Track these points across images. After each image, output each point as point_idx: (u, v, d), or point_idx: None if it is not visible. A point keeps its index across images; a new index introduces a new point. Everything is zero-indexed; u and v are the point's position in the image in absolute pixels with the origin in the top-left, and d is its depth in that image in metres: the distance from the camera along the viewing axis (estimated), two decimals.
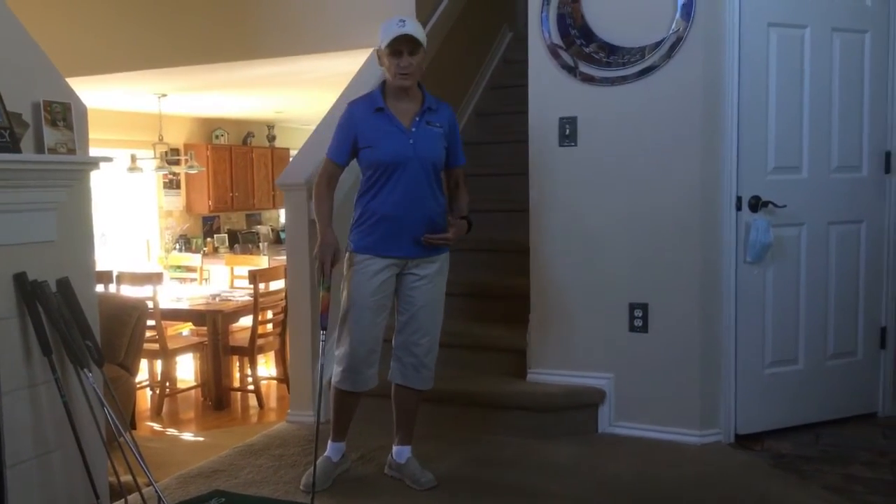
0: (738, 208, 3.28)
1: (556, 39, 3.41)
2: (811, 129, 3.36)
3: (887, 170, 3.51)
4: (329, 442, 2.97)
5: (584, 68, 3.37)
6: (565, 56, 3.40)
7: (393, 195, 2.73)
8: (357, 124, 2.78)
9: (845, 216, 3.48)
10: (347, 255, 2.83)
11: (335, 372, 2.85)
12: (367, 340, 2.78)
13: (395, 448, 2.98)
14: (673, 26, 3.20)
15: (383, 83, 2.80)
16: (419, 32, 2.67)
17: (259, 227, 10.71)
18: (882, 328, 3.59)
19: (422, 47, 2.69)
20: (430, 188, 2.76)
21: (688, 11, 3.18)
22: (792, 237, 3.38)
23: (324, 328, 2.85)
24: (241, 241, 10.05)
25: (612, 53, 3.31)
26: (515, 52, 5.33)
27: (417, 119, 2.76)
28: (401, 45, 2.66)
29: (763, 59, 3.26)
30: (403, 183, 2.72)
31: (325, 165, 2.86)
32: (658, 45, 3.23)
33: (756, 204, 3.28)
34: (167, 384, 6.01)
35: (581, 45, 3.36)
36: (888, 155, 3.50)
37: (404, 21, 2.67)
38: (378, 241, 2.76)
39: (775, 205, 3.28)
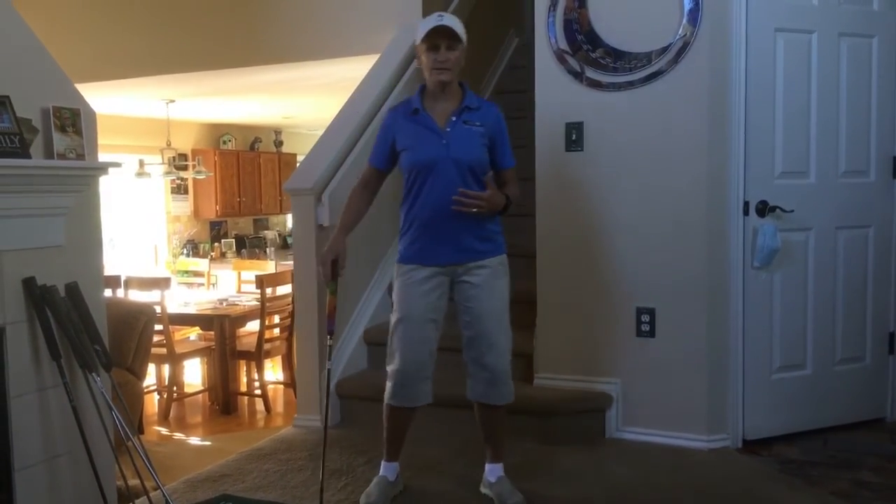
0: (746, 213, 3.27)
1: (563, 45, 3.42)
2: (818, 134, 3.35)
3: (895, 175, 3.50)
4: (382, 462, 2.85)
5: (591, 73, 3.37)
6: (572, 61, 3.41)
7: (429, 199, 2.62)
8: (394, 127, 2.72)
9: (853, 221, 3.47)
10: (396, 266, 2.76)
11: (386, 388, 2.74)
12: (417, 354, 2.66)
13: (487, 466, 2.87)
14: (680, 31, 3.21)
15: (423, 86, 2.73)
16: (458, 26, 2.61)
17: (266, 232, 10.74)
18: (890, 333, 3.57)
19: (460, 43, 2.62)
20: (470, 190, 2.59)
21: (694, 17, 3.18)
22: (799, 242, 3.37)
23: (330, 333, 2.81)
24: (249, 246, 10.07)
25: (618, 59, 3.32)
26: (522, 58, 5.34)
27: (454, 119, 2.65)
28: (437, 39, 2.59)
29: (770, 64, 3.25)
30: (439, 186, 2.60)
31: (364, 170, 2.82)
32: (665, 50, 3.23)
33: (763, 209, 3.27)
34: (174, 389, 6.02)
35: (587, 50, 3.37)
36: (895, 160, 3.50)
37: (442, 15, 2.62)
38: (420, 250, 2.67)
39: (783, 209, 3.28)
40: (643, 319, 3.35)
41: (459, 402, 2.91)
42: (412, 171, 2.66)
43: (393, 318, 2.72)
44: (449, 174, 2.60)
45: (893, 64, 3.46)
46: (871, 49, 3.42)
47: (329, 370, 2.88)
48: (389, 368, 2.72)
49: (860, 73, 3.40)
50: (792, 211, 3.29)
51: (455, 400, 2.94)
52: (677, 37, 3.21)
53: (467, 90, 2.73)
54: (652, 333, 3.34)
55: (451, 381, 2.90)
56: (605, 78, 3.35)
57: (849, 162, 3.42)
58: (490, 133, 2.69)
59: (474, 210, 2.58)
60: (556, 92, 3.44)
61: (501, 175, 2.77)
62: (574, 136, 3.42)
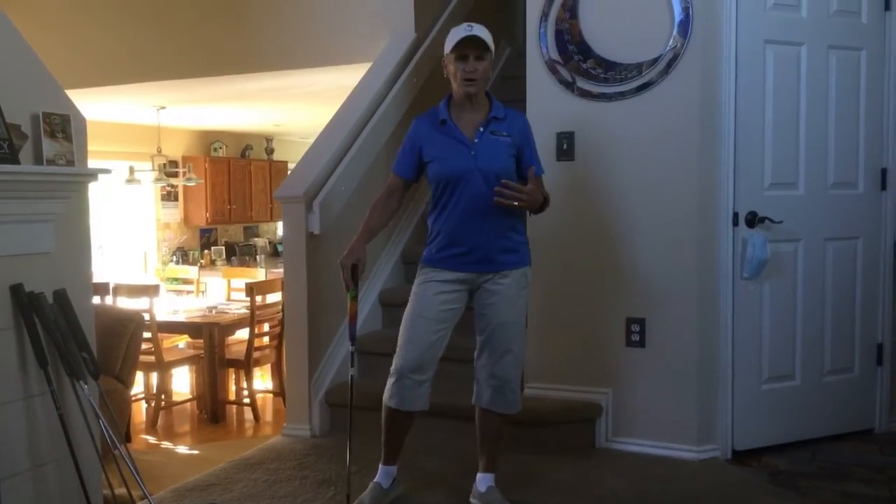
0: (735, 224, 3.28)
1: (554, 55, 3.43)
2: (807, 146, 3.37)
3: (883, 186, 3.53)
4: (380, 465, 2.83)
5: (582, 84, 3.39)
6: (563, 72, 3.42)
7: (457, 210, 2.63)
8: (421, 138, 2.72)
9: (842, 232, 3.49)
10: (419, 266, 2.76)
11: (386, 387, 2.73)
12: (421, 353, 2.65)
13: (478, 475, 2.86)
14: (670, 43, 3.22)
15: (449, 96, 2.73)
16: (487, 37, 2.60)
17: (256, 239, 10.71)
18: (879, 344, 3.59)
19: (489, 53, 2.61)
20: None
21: (685, 28, 3.20)
22: (788, 253, 3.38)
23: (352, 338, 2.80)
24: (239, 254, 10.04)
25: (609, 69, 3.33)
26: (514, 68, 5.35)
27: (481, 129, 2.66)
28: (466, 49, 2.59)
29: (760, 76, 3.27)
30: (467, 197, 2.61)
31: (388, 178, 2.81)
32: (655, 61, 3.25)
33: (753, 219, 3.29)
34: (163, 397, 5.98)
35: (579, 60, 3.38)
36: (884, 172, 3.52)
37: (472, 26, 2.61)
38: (445, 257, 2.68)
39: (772, 220, 3.29)
40: (633, 329, 3.36)
41: (461, 414, 2.90)
42: (440, 183, 2.67)
43: (405, 315, 2.72)
44: (477, 185, 2.61)
45: (882, 76, 3.48)
46: (860, 62, 3.44)
47: (352, 377, 2.86)
48: (392, 367, 2.72)
49: (849, 86, 3.43)
50: (781, 222, 3.30)
51: (457, 411, 2.92)
52: (668, 48, 3.23)
53: (494, 100, 2.73)
54: (642, 343, 3.35)
55: (455, 391, 2.88)
56: (596, 88, 3.36)
57: (838, 174, 3.44)
58: (517, 143, 2.70)
59: (515, 203, 2.56)
60: (547, 101, 3.45)
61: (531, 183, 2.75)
62: (565, 146, 3.43)
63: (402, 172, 2.76)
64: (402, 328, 2.72)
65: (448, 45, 2.64)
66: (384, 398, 2.74)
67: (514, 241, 2.72)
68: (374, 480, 2.83)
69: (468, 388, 2.85)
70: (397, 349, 2.71)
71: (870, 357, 3.58)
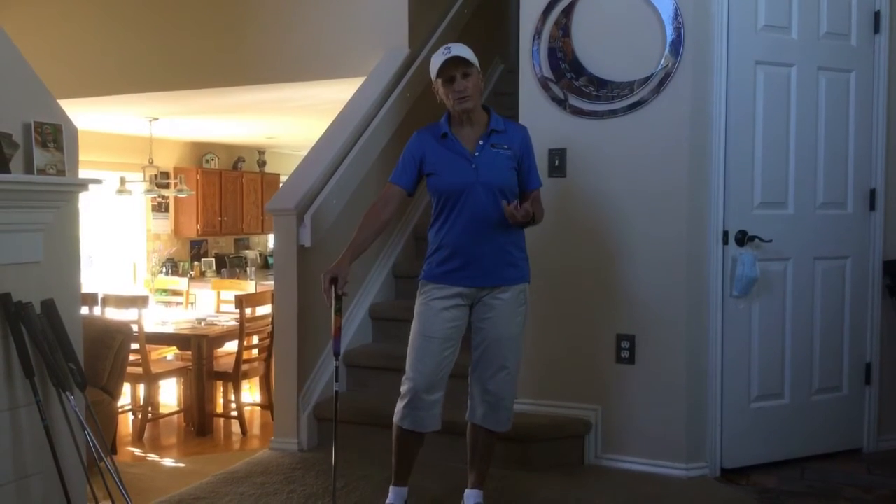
0: (725, 242, 3.30)
1: (547, 73, 3.45)
2: (797, 166, 3.40)
3: (872, 207, 3.55)
4: (391, 486, 2.81)
5: (574, 101, 3.41)
6: (555, 89, 3.44)
7: (458, 223, 2.65)
8: (423, 150, 2.72)
9: (831, 252, 3.51)
10: (420, 284, 2.76)
11: (397, 409, 2.71)
12: (431, 372, 2.65)
13: (466, 491, 2.86)
14: (662, 62, 3.25)
15: (448, 112, 2.74)
16: (467, 53, 2.62)
17: (247, 251, 10.68)
18: (867, 364, 3.60)
19: (474, 67, 2.63)
20: (499, 215, 2.61)
21: (676, 48, 3.23)
22: (778, 272, 3.40)
23: (336, 353, 2.79)
24: (229, 266, 10.01)
25: (601, 87, 3.35)
26: (506, 85, 5.39)
27: (481, 143, 2.68)
28: (451, 70, 2.61)
29: (750, 96, 3.30)
30: (468, 210, 2.63)
31: (385, 189, 2.78)
32: (647, 80, 3.27)
33: (742, 238, 3.30)
34: (150, 409, 5.94)
35: (571, 78, 3.40)
36: (873, 192, 3.55)
37: (450, 47, 2.63)
38: (446, 271, 2.67)
39: (761, 239, 3.31)
40: (623, 346, 3.36)
41: (451, 429, 2.88)
42: (442, 196, 2.68)
43: (412, 335, 2.72)
44: (479, 198, 2.63)
45: (870, 98, 3.52)
46: (849, 83, 3.48)
47: (336, 392, 2.85)
48: (403, 387, 2.71)
49: (838, 107, 3.46)
50: (770, 241, 3.32)
51: (447, 426, 2.90)
52: (659, 67, 3.25)
53: (493, 113, 2.75)
54: (632, 360, 3.35)
55: (446, 407, 2.86)
56: (588, 106, 3.38)
57: (827, 193, 3.47)
58: (518, 155, 2.72)
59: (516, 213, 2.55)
60: (539, 118, 3.46)
61: (526, 195, 2.78)
62: (557, 163, 3.44)
63: (401, 182, 2.76)
64: (409, 348, 2.71)
65: (433, 72, 2.66)
66: (395, 419, 2.72)
67: (515, 257, 2.73)
68: (388, 501, 2.80)
69: (459, 404, 2.84)
70: (407, 370, 2.70)
71: (858, 376, 3.59)
